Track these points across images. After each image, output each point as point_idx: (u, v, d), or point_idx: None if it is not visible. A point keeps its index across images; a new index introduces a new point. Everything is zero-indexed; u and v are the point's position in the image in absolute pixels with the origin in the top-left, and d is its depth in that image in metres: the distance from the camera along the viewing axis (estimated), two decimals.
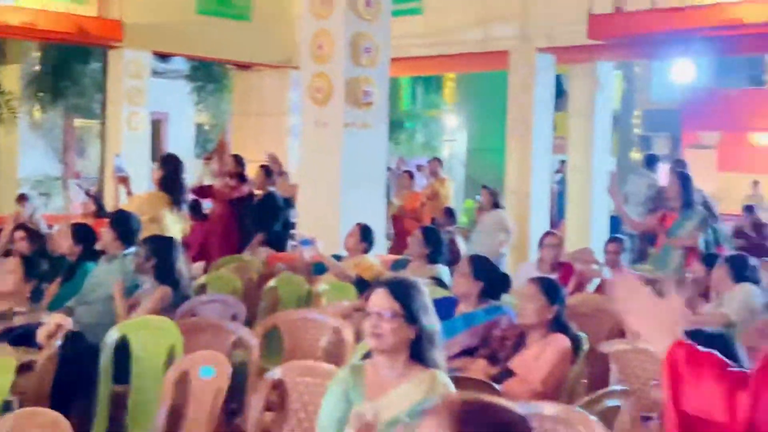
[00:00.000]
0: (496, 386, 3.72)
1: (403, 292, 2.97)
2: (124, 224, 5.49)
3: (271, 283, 6.15)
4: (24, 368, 3.98)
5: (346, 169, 7.40)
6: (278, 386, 3.56)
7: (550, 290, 4.11)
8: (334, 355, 4.52)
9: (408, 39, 11.53)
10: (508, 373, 4.07)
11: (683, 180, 6.93)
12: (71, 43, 12.77)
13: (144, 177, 10.18)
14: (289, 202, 8.54)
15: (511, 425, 1.65)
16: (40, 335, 4.20)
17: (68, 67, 14.76)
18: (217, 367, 3.52)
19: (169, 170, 6.18)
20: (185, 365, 3.63)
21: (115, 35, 11.22)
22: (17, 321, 4.91)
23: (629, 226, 8.07)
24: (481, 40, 11.54)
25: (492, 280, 4.64)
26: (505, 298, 4.77)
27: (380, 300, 2.94)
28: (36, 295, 5.48)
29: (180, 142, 16.40)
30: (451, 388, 2.94)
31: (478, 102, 20.41)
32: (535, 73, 11.05)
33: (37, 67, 15.15)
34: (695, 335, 2.93)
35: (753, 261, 5.46)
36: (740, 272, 5.17)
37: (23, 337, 4.44)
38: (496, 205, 10.13)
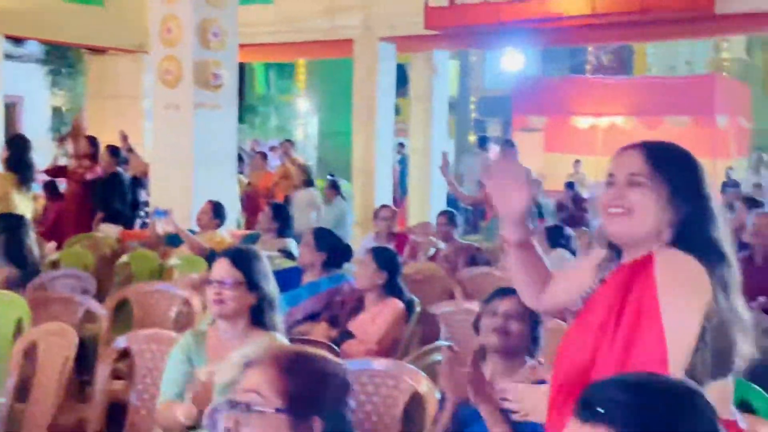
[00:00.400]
0: (336, 348, 3.76)
1: (243, 261, 2.98)
2: None
3: (124, 258, 6.00)
4: None
5: (198, 148, 7.28)
6: (127, 356, 3.50)
7: (380, 257, 4.18)
8: (185, 324, 4.46)
9: (259, 26, 11.44)
10: (348, 335, 4.13)
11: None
12: None
13: None
14: (140, 182, 8.32)
15: (329, 373, 1.68)
16: None
17: None
18: (64, 337, 3.40)
19: (16, 151, 5.91)
20: (33, 336, 3.50)
21: None
22: None
23: (460, 200, 8.26)
24: (328, 28, 11.55)
25: (334, 250, 4.68)
26: (348, 267, 4.83)
27: (222, 269, 2.93)
28: None
29: (36, 126, 15.73)
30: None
31: (328, 88, 20.44)
32: (378, 60, 11.15)
33: None
34: (502, 292, 3.03)
35: (568, 231, 5.67)
36: (555, 240, 5.37)
37: None
38: (308, 184, 10.05)
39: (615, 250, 2.06)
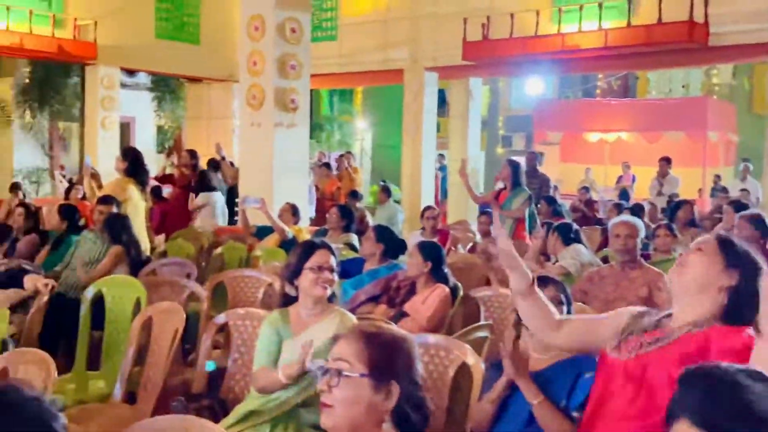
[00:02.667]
0: (393, 325, 3.73)
1: (334, 253, 2.97)
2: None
3: (219, 249, 6.05)
4: (17, 306, 3.84)
5: (277, 159, 7.32)
6: (224, 329, 3.52)
7: (424, 250, 4.13)
8: (269, 304, 4.47)
9: (326, 59, 11.49)
10: (403, 314, 4.09)
11: (513, 167, 7.07)
12: (54, 61, 12.28)
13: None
14: (235, 189, 8.37)
15: (401, 344, 1.67)
16: (27, 283, 3.97)
17: (53, 79, 14.23)
18: (174, 314, 3.43)
19: (132, 160, 5.95)
20: (149, 313, 3.54)
21: (90, 54, 10.84)
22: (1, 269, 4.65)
23: (472, 199, 8.13)
24: (382, 60, 11.57)
25: (391, 243, 4.66)
26: (402, 259, 4.80)
27: (331, 258, 2.91)
28: (7, 256, 5.20)
29: (144, 141, 16.00)
30: (355, 321, 2.94)
31: (381, 109, 20.46)
32: (424, 86, 11.14)
33: (27, 80, 14.53)
34: (542, 280, 2.98)
35: (575, 226, 5.51)
36: (567, 236, 5.23)
37: (11, 280, 4.14)
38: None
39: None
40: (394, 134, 16.38)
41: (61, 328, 4.28)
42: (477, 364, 2.80)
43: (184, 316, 3.41)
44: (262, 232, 6.35)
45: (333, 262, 2.90)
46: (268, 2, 7.05)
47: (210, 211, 7.52)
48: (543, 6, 9.62)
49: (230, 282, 4.67)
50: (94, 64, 11.19)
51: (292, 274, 2.91)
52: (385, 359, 1.61)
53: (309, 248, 2.91)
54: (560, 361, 2.60)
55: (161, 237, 7.27)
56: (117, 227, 4.96)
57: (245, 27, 7.28)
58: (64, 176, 13.56)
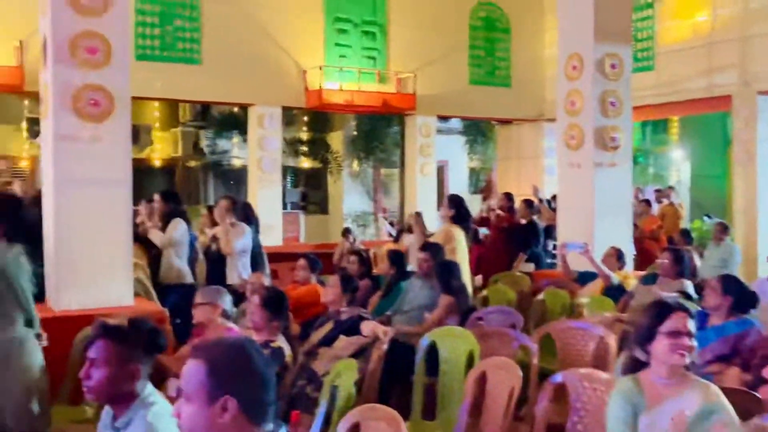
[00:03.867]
0: (754, 393, 3.23)
1: (693, 316, 2.67)
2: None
3: (540, 296, 5.89)
4: (360, 352, 4.03)
5: (598, 200, 6.99)
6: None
7: None
8: (601, 359, 4.18)
9: (642, 91, 10.88)
10: (762, 381, 3.54)
11: None
12: (378, 114, 13.28)
13: (433, 209, 10.51)
14: (549, 232, 8.19)
15: None
16: (365, 329, 4.16)
17: (376, 130, 15.42)
18: (509, 371, 3.33)
19: (457, 207, 6.08)
20: (483, 368, 3.48)
21: (410, 106, 11.52)
22: (344, 316, 4.95)
23: None
24: (706, 87, 10.63)
25: (740, 296, 4.11)
26: (753, 313, 4.21)
27: (688, 322, 2.63)
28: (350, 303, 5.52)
29: (457, 183, 16.58)
30: (722, 396, 2.57)
31: (699, 137, 18.95)
32: (757, 112, 9.98)
33: (354, 132, 15.95)
34: None
35: None
36: None
37: (351, 329, 4.38)
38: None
39: None
40: (716, 163, 15.01)
41: (393, 372, 4.42)
42: None
43: (521, 374, 3.29)
44: (584, 278, 6.07)
45: (691, 326, 2.58)
46: (588, 39, 6.83)
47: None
48: None
49: (558, 333, 4.49)
50: (412, 115, 11.88)
51: (644, 338, 2.64)
52: None
53: (663, 310, 2.63)
54: None
55: (478, 278, 7.33)
56: (448, 274, 5.06)
57: (563, 67, 7.12)
58: (386, 219, 14.55)
